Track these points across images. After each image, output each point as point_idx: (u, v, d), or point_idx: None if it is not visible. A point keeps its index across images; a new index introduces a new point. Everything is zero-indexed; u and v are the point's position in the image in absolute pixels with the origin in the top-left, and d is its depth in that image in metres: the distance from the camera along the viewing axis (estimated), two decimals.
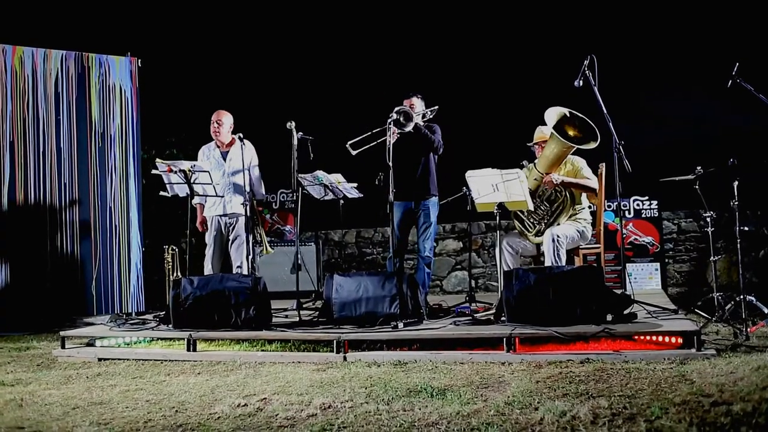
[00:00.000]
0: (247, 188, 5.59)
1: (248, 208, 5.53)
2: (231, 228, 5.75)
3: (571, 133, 4.86)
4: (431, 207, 5.51)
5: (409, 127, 5.12)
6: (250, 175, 5.75)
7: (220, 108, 5.87)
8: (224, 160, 5.73)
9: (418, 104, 5.50)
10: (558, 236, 4.77)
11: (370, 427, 2.58)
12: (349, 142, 5.12)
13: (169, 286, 5.73)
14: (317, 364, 3.93)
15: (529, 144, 5.30)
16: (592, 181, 4.98)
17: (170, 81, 8.24)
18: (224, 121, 5.75)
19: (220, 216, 5.72)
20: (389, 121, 4.92)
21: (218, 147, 5.80)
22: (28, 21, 8.20)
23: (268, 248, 5.80)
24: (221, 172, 5.69)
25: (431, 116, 5.49)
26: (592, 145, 4.75)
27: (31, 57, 6.34)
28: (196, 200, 5.71)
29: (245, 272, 5.62)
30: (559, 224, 4.95)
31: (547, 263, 4.73)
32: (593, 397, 2.81)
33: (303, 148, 5.57)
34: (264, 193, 6.03)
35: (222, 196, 5.60)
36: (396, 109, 5.08)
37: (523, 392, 2.97)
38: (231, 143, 5.78)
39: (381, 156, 5.23)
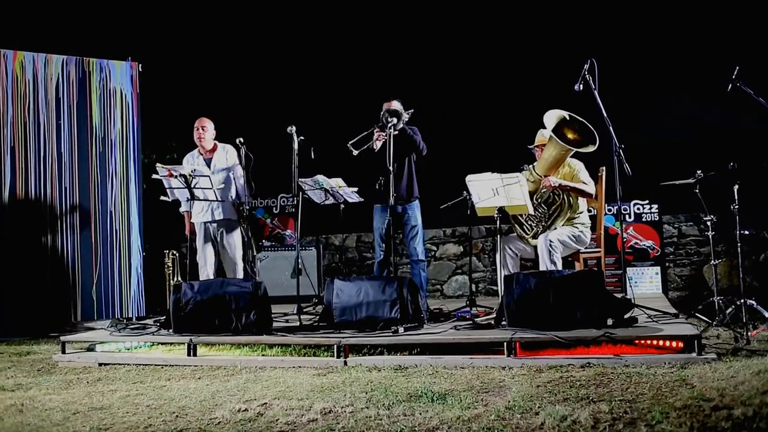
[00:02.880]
0: (232, 193, 5.72)
1: (238, 212, 5.68)
2: (219, 234, 5.76)
3: (570, 136, 4.87)
4: (416, 210, 5.58)
5: (400, 126, 5.14)
6: (234, 178, 5.77)
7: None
8: (208, 167, 5.71)
9: (397, 107, 5.51)
10: (551, 241, 4.78)
11: None
12: (350, 142, 5.20)
13: (169, 291, 5.74)
14: (318, 369, 3.93)
15: (530, 146, 5.32)
16: (589, 186, 4.98)
17: (171, 85, 8.25)
18: (207, 127, 5.80)
19: (209, 222, 5.73)
20: (389, 124, 4.96)
21: (201, 154, 5.81)
22: (29, 26, 8.21)
23: (255, 248, 5.89)
24: (207, 179, 5.69)
25: (407, 118, 5.49)
26: (591, 149, 4.76)
27: (32, 62, 6.35)
28: (182, 207, 5.76)
29: (241, 276, 5.64)
30: (555, 228, 4.96)
31: (542, 268, 4.74)
32: (594, 402, 2.81)
33: (304, 152, 5.58)
34: (249, 195, 5.89)
35: (222, 201, 5.63)
36: (384, 108, 5.19)
37: (523, 397, 2.97)
38: (213, 149, 5.82)
39: (377, 161, 5.27)
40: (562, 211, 4.98)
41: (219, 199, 5.45)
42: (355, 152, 5.24)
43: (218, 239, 5.78)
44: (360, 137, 5.32)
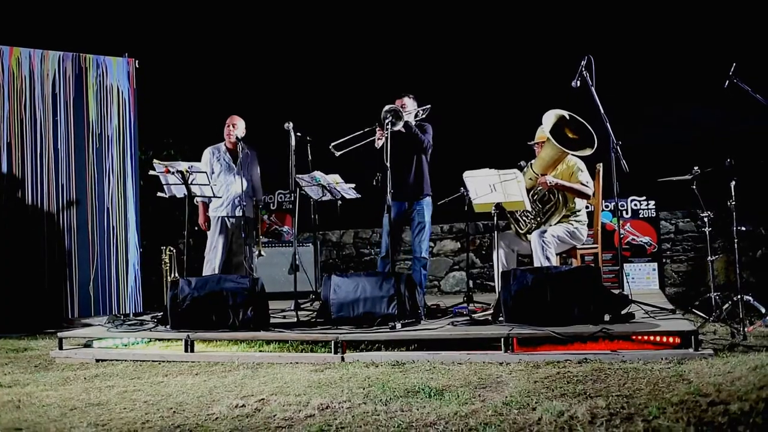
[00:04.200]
0: (250, 191, 5.87)
1: (254, 210, 5.88)
2: (238, 230, 5.83)
3: (569, 135, 4.86)
4: (425, 207, 5.52)
5: (399, 126, 5.11)
6: (253, 178, 5.86)
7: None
8: (235, 163, 5.84)
9: (409, 104, 5.50)
10: (545, 237, 4.79)
11: (368, 427, 2.58)
12: (333, 144, 5.14)
13: (166, 287, 5.74)
14: (315, 365, 3.93)
15: (530, 143, 5.31)
16: (587, 188, 4.97)
17: (168, 82, 8.23)
18: (238, 125, 5.93)
19: (228, 217, 5.80)
20: (386, 122, 4.95)
21: (228, 150, 5.91)
22: (26, 22, 8.18)
23: (261, 251, 5.96)
24: (232, 175, 5.78)
25: (424, 115, 5.49)
26: (587, 153, 4.75)
27: (28, 58, 6.33)
28: (198, 198, 5.78)
29: (243, 273, 5.70)
30: (551, 225, 4.96)
31: (535, 264, 4.74)
32: (591, 397, 2.81)
33: (301, 148, 5.59)
34: (262, 195, 6.19)
35: (220, 197, 5.66)
36: (385, 108, 5.09)
37: (520, 392, 2.97)
38: (239, 147, 5.87)
39: (379, 157, 5.26)
40: (557, 210, 4.98)
41: (216, 195, 5.48)
42: (337, 153, 5.21)
43: (233, 235, 5.87)
44: (345, 139, 5.24)
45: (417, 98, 5.58)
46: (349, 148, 5.21)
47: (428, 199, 5.56)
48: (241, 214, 5.81)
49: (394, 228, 5.39)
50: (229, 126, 5.90)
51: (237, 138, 5.78)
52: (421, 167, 5.52)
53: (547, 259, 4.74)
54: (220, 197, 5.68)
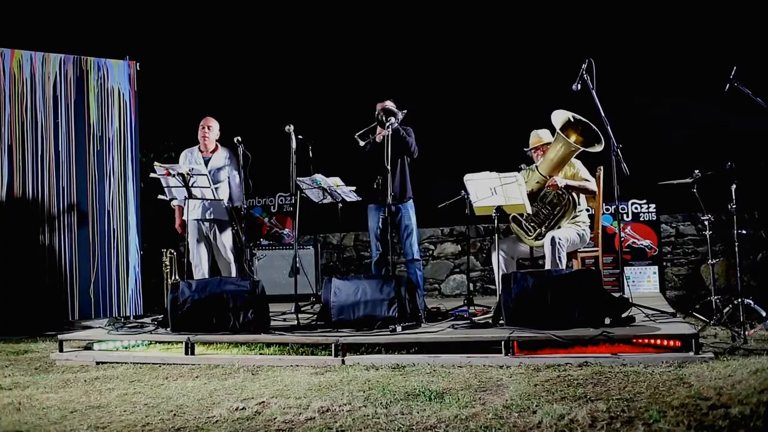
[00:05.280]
0: (226, 195, 5.79)
1: (230, 214, 5.76)
2: (212, 234, 5.83)
3: (573, 138, 4.85)
4: (410, 209, 5.59)
5: (395, 124, 5.15)
6: (230, 181, 5.83)
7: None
8: (206, 165, 5.77)
9: (391, 106, 5.51)
10: (559, 239, 4.76)
11: (369, 430, 2.58)
12: (357, 134, 5.21)
13: (167, 290, 5.74)
14: (315, 368, 3.93)
15: (526, 149, 5.29)
16: (592, 183, 4.97)
17: (169, 84, 8.24)
18: (213, 127, 5.89)
19: (201, 220, 5.78)
20: (387, 124, 4.98)
21: (201, 152, 5.88)
22: (27, 25, 8.20)
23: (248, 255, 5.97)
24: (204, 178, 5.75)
25: (401, 118, 5.50)
26: (598, 149, 4.72)
27: (29, 60, 6.34)
28: (174, 202, 5.78)
29: (235, 275, 5.67)
30: (560, 227, 4.94)
31: (548, 266, 4.72)
32: (591, 401, 2.81)
33: (302, 151, 5.59)
34: (243, 200, 5.92)
35: (221, 200, 5.65)
36: (381, 107, 5.23)
37: (521, 395, 2.97)
38: (214, 150, 5.90)
39: (374, 160, 5.28)
40: (567, 211, 4.95)
41: (217, 198, 5.47)
42: (362, 143, 5.27)
43: (211, 238, 5.85)
44: (365, 130, 5.33)
45: (396, 102, 5.60)
46: (370, 139, 5.32)
47: (411, 202, 5.63)
48: (211, 217, 5.77)
49: (384, 231, 5.43)
50: (204, 128, 5.84)
51: (238, 141, 5.74)
52: (405, 170, 5.59)
53: (559, 260, 4.72)
54: (221, 199, 5.66)
